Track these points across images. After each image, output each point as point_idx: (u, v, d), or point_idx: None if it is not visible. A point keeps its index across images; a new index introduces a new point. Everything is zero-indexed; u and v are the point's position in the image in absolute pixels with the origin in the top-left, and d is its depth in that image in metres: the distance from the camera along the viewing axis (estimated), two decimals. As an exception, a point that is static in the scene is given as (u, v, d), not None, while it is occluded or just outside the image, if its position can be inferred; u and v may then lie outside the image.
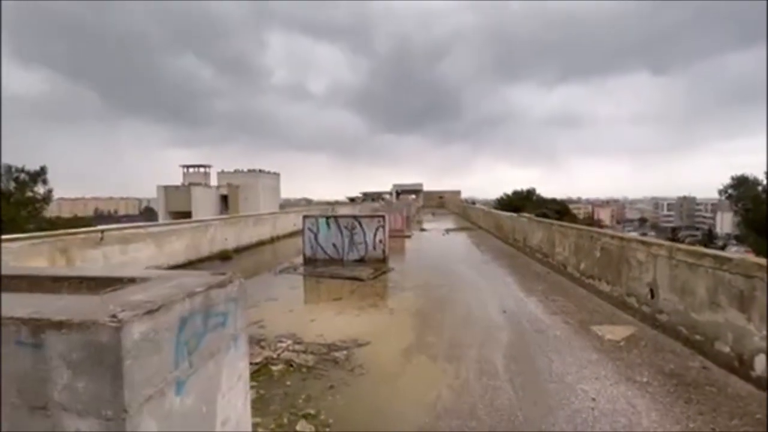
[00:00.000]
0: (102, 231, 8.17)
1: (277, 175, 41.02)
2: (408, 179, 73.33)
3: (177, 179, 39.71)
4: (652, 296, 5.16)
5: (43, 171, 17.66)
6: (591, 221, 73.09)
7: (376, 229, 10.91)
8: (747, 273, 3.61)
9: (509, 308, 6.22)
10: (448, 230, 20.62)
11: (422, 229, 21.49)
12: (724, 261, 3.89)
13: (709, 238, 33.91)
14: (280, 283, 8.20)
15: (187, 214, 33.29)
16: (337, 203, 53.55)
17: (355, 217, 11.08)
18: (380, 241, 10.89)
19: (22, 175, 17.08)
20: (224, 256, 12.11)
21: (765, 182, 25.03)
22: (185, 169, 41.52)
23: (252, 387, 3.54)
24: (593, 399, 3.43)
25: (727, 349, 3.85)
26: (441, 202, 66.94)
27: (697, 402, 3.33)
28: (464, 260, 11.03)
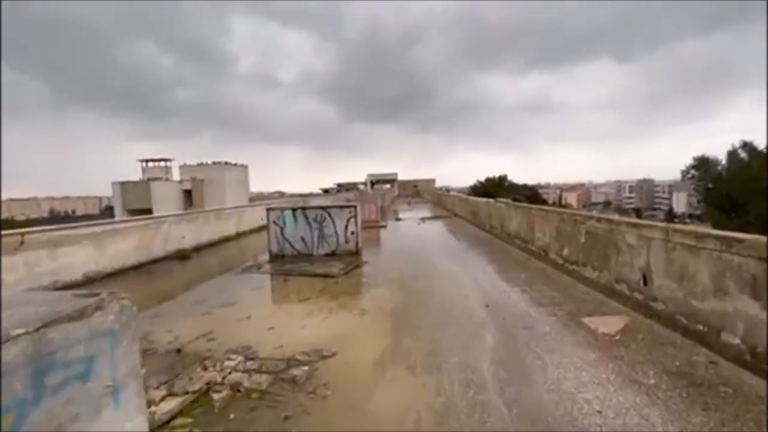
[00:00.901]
0: (23, 234, 6.96)
1: (245, 167, 39.12)
2: (383, 169, 72.61)
3: (138, 174, 37.11)
4: (645, 283, 4.75)
5: None
6: (559, 205, 75.42)
7: (348, 221, 10.16)
8: (762, 255, 3.17)
9: (492, 301, 5.69)
10: (423, 219, 20.15)
11: (398, 219, 20.91)
12: (732, 242, 3.45)
13: (669, 218, 35.45)
14: (240, 285, 7.33)
15: (147, 211, 31.09)
16: (310, 195, 52.15)
17: (324, 208, 10.27)
18: (352, 233, 10.16)
19: None
20: (182, 256, 10.99)
21: (724, 162, 26.13)
22: (144, 164, 38.89)
23: (182, 427, 2.77)
24: (599, 412, 2.91)
25: (736, 341, 3.44)
26: (416, 191, 66.85)
27: (716, 408, 2.87)
28: (441, 249, 10.51)
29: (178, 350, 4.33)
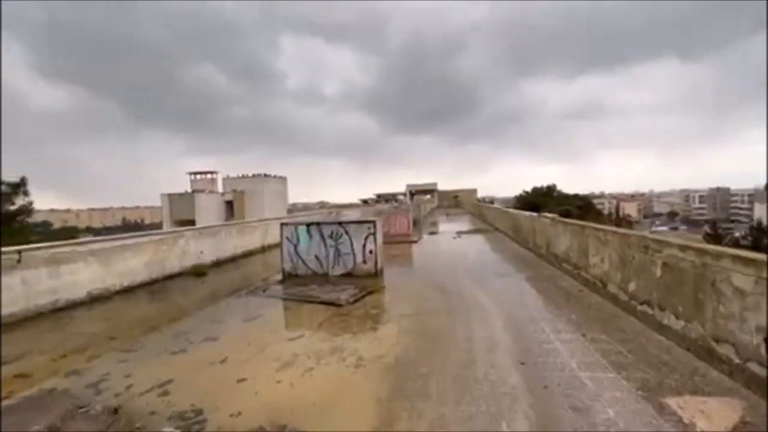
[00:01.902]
0: (20, 252, 6.68)
1: (283, 179, 39.79)
2: (423, 179, 71.22)
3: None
4: (769, 349, 3.13)
5: (23, 182, 16.85)
6: (617, 217, 68.83)
7: (366, 238, 9.10)
8: None
9: (530, 355, 4.28)
10: (459, 233, 18.59)
11: (432, 232, 19.54)
12: None
13: (759, 232, 30.08)
14: (235, 313, 6.51)
15: (191, 222, 32.41)
16: (351, 206, 52.15)
17: (340, 223, 9.30)
18: (370, 252, 9.07)
19: (3, 187, 16.29)
20: (198, 272, 10.55)
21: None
22: (193, 176, 40.91)
23: None
24: None
25: None
26: (456, 201, 64.65)
27: None
28: (474, 272, 9.06)
29: (115, 410, 3.46)
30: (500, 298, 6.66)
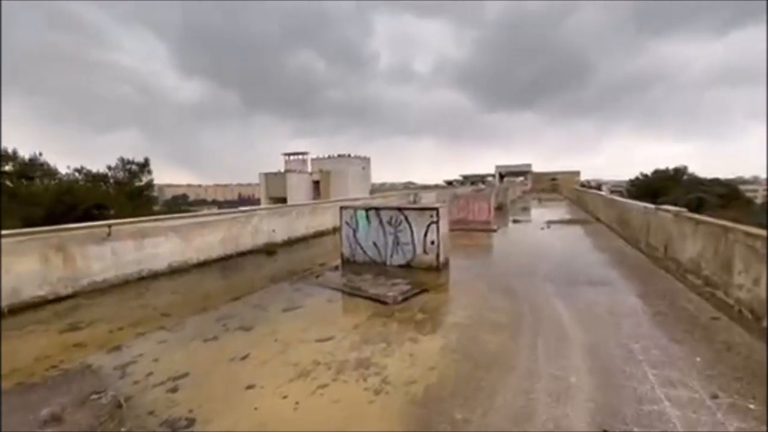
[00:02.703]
0: (110, 225, 7.48)
1: (367, 159, 40.35)
2: (517, 160, 65.49)
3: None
4: None
5: (146, 162, 20.07)
6: (778, 209, 53.53)
7: (427, 227, 8.14)
8: None
9: (620, 417, 2.96)
10: (549, 223, 16.17)
11: (516, 220, 17.45)
12: None
13: None
14: (281, 300, 6.30)
15: (283, 199, 35.20)
16: (436, 187, 50.92)
17: (400, 209, 8.48)
18: (432, 243, 8.11)
19: (133, 167, 19.70)
20: (269, 250, 10.95)
21: None
22: (287, 157, 44.25)
23: None
24: None
25: None
26: (553, 185, 58.12)
27: None
28: (558, 275, 7.44)
29: (120, 404, 3.33)
30: (588, 318, 5.14)
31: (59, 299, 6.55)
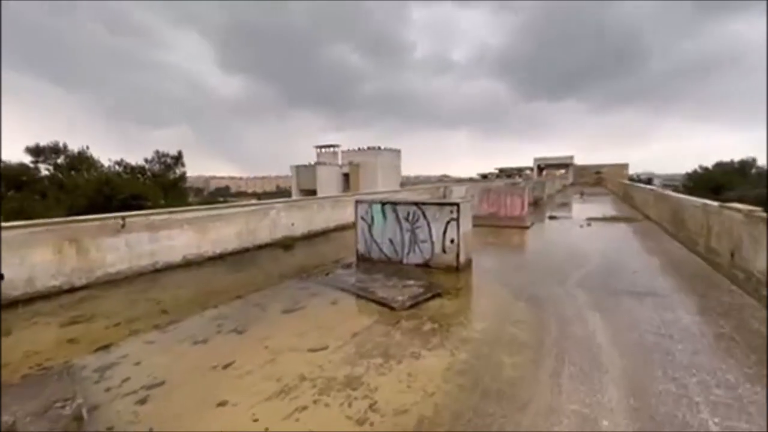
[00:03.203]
0: (123, 217, 7.49)
1: (397, 151, 39.63)
2: (558, 152, 61.94)
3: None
4: None
5: (180, 156, 20.77)
6: None
7: (447, 223, 7.46)
8: None
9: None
10: (590, 220, 14.78)
11: (552, 217, 16.16)
12: None
13: None
14: (284, 300, 5.95)
15: (313, 192, 35.44)
16: (471, 180, 49.33)
17: (417, 204, 7.85)
18: (452, 241, 7.42)
19: (168, 160, 20.49)
20: (286, 245, 10.74)
21: None
22: (318, 150, 44.54)
23: None
24: None
25: None
26: (598, 179, 54.43)
27: None
28: (594, 283, 6.52)
29: (79, 417, 3.06)
30: (629, 338, 4.30)
31: (73, 290, 6.62)
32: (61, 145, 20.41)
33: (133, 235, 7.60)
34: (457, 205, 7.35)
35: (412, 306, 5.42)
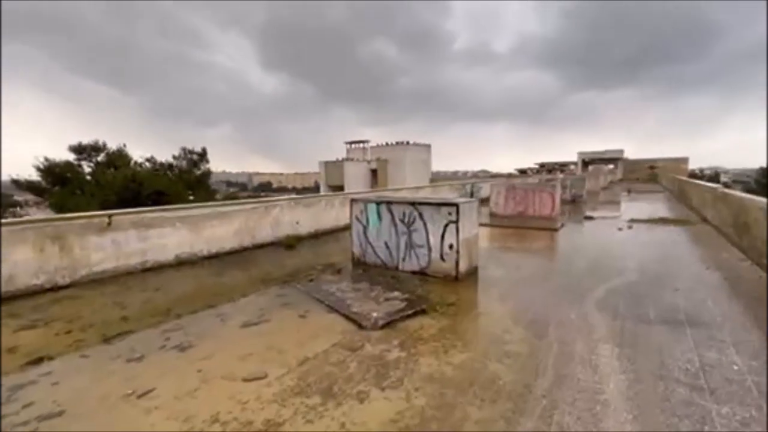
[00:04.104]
0: (110, 216, 7.32)
1: (427, 146, 38.36)
2: (608, 144, 57.45)
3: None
4: None
5: (204, 152, 21.24)
6: None
7: (445, 227, 6.53)
8: None
9: None
10: (632, 222, 12.98)
11: (588, 217, 14.46)
12: None
13: None
14: (249, 311, 5.38)
15: (340, 188, 35.27)
16: (509, 176, 46.98)
17: (413, 203, 6.97)
18: (450, 247, 6.49)
19: (194, 156, 21.04)
20: (289, 244, 10.29)
21: None
22: (348, 145, 44.36)
23: None
24: None
25: None
26: (652, 174, 49.69)
27: None
28: (621, 304, 5.32)
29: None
30: (651, 395, 3.21)
31: (56, 288, 6.51)
32: (100, 143, 21.60)
33: (121, 234, 7.42)
34: (457, 206, 6.38)
35: (385, 325, 4.61)
